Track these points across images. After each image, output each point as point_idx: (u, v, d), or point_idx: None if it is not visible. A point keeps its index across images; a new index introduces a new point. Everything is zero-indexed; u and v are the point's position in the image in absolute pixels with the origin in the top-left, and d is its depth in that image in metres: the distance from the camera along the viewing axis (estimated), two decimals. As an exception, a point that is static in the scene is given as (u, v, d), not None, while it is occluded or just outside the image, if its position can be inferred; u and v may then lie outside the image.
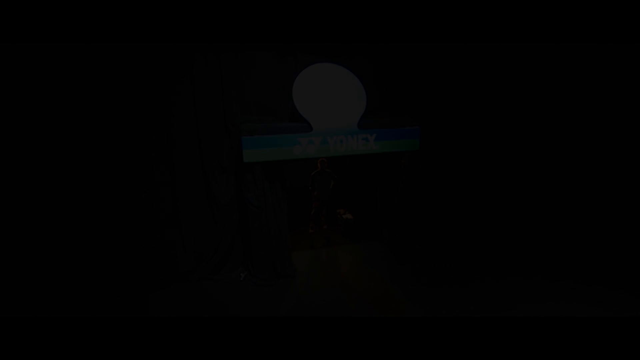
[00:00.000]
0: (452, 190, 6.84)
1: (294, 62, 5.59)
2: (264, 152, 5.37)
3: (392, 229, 6.71)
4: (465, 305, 4.90)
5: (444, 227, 6.88)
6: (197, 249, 5.91)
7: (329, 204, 7.95)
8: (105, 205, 5.33)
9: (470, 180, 6.81)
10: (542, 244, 6.77)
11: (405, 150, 5.99)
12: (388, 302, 5.08)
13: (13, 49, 4.54)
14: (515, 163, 6.89)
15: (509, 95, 6.63)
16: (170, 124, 5.41)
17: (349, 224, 7.85)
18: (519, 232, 7.01)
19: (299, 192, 8.95)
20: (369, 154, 5.85)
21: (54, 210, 5.09)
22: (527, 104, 6.63)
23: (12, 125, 4.72)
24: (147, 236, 5.58)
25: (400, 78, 6.15)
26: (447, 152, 6.58)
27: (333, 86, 5.60)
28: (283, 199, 5.95)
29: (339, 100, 5.61)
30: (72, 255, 5.27)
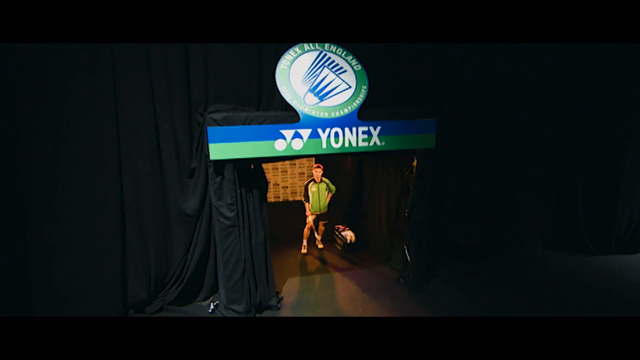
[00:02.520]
0: (477, 200, 5.58)
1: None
2: (237, 148, 4.19)
3: (402, 250, 5.41)
4: None
5: (468, 245, 5.58)
6: (156, 272, 4.64)
7: (326, 219, 6.68)
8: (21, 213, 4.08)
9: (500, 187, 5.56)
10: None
11: (417, 148, 4.77)
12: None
13: None
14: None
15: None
16: (120, 117, 4.25)
17: (350, 244, 6.55)
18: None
19: (288, 206, 7.73)
20: (372, 153, 4.64)
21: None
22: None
23: None
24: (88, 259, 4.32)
25: (411, 62, 5.02)
26: (471, 152, 5.36)
27: (327, 67, 4.47)
28: (264, 210, 4.71)
29: (333, 83, 4.47)
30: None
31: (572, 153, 5.89)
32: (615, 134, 5.81)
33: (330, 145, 4.43)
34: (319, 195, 6.46)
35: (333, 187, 6.60)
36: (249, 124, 4.20)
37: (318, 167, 6.45)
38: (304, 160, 9.53)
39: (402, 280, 5.42)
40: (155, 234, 4.54)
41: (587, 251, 6.12)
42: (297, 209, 7.66)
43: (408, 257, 5.29)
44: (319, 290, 5.32)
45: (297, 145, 4.34)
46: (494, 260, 5.88)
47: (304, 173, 9.66)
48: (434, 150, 4.83)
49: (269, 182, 9.47)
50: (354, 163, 7.25)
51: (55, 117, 3.99)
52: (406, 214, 5.20)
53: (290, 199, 9.68)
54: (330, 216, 6.81)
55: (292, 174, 9.60)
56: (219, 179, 4.33)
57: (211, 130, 4.12)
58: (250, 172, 4.51)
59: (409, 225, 5.16)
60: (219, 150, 4.15)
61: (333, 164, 7.80)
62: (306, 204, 6.53)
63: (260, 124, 4.23)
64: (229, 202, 4.37)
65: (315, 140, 4.38)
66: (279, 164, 9.41)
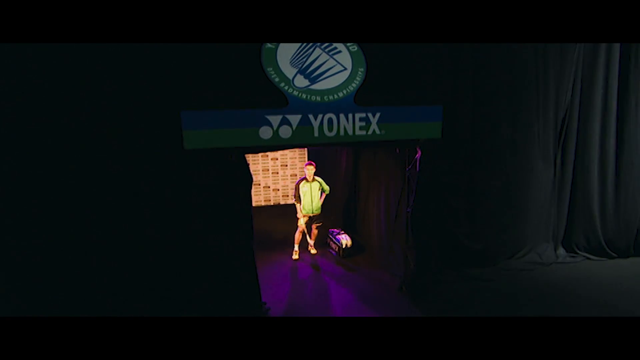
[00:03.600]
0: (485, 199, 5.06)
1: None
2: (215, 135, 3.64)
3: (403, 254, 4.85)
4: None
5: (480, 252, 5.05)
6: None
7: (320, 221, 6.11)
8: None
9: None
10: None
11: (421, 138, 4.25)
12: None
13: None
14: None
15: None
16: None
17: (346, 249, 5.99)
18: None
19: (279, 210, 7.14)
20: (371, 143, 4.11)
21: None
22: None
23: None
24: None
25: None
26: (480, 145, 4.85)
27: (319, 46, 3.96)
28: (245, 210, 4.13)
29: (327, 65, 3.95)
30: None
31: (587, 151, 5.41)
32: (629, 131, 5.34)
33: (324, 133, 3.90)
34: (312, 195, 5.91)
35: (326, 187, 6.05)
36: (230, 108, 3.65)
37: (310, 164, 5.91)
38: (296, 160, 8.98)
39: (403, 288, 4.85)
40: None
41: (604, 254, 5.60)
42: (289, 213, 7.09)
43: (411, 262, 4.72)
44: (312, 300, 4.73)
45: (285, 133, 3.80)
46: (505, 266, 5.34)
47: (296, 175, 9.09)
48: (439, 141, 4.30)
49: (259, 184, 9.08)
50: (349, 159, 6.72)
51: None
52: (408, 214, 4.65)
53: (282, 202, 9.09)
54: (324, 218, 6.23)
55: (283, 175, 9.02)
56: (196, 171, 3.76)
57: (186, 115, 3.56)
58: (230, 165, 3.95)
59: (411, 227, 4.60)
60: (194, 138, 3.60)
61: (326, 161, 7.26)
62: (297, 205, 5.97)
63: (242, 108, 3.68)
64: (203, 198, 3.79)
65: (305, 127, 3.84)
66: (270, 165, 8.84)
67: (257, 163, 8.77)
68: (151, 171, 3.71)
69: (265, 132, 3.75)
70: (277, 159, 8.85)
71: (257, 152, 4.39)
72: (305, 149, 8.63)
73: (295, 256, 6.07)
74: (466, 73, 4.75)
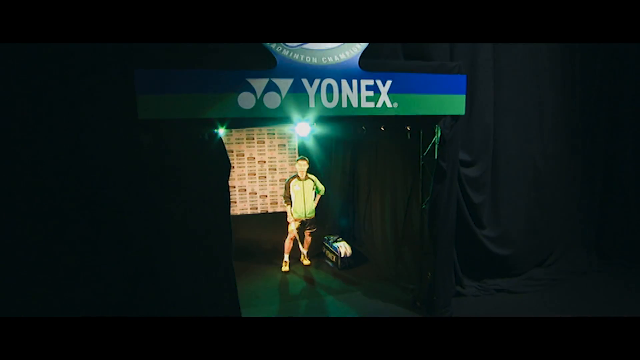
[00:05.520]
0: (513, 198, 4.26)
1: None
2: (180, 101, 2.78)
3: (417, 262, 3.99)
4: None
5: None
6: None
7: (314, 226, 5.21)
8: None
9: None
10: None
11: (442, 114, 3.45)
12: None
13: None
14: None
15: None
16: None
17: (345, 259, 5.09)
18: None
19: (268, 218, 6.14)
20: (379, 119, 3.30)
21: None
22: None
23: None
24: None
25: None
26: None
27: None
28: (221, 202, 3.23)
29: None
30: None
31: (625, 152, 4.72)
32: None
33: (321, 103, 3.07)
34: (304, 195, 5.04)
35: (322, 187, 5.20)
36: (199, 67, 2.80)
37: (303, 159, 5.07)
38: (286, 163, 8.13)
39: (418, 304, 3.97)
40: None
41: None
42: (278, 221, 6.23)
43: (427, 271, 3.85)
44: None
45: (272, 102, 2.96)
46: (534, 275, 4.51)
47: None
48: (463, 119, 3.51)
49: (244, 190, 8.11)
50: (347, 153, 5.89)
51: None
52: (424, 211, 3.81)
53: (270, 210, 8.18)
54: (319, 223, 5.35)
55: (271, 180, 8.14)
56: (153, 150, 2.86)
57: (141, 74, 2.70)
58: (201, 144, 3.06)
59: (429, 226, 3.75)
60: (151, 105, 2.73)
61: (321, 156, 6.46)
62: (287, 208, 5.08)
63: (215, 68, 2.83)
64: (168, 186, 2.89)
65: (298, 95, 3.01)
66: (256, 168, 7.96)
67: (243, 166, 7.90)
68: (91, 147, 2.81)
69: (246, 100, 2.90)
70: (264, 162, 8.00)
71: (235, 127, 3.53)
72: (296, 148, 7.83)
73: (285, 268, 5.15)
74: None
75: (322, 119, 3.34)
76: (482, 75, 4.06)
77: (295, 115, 3.03)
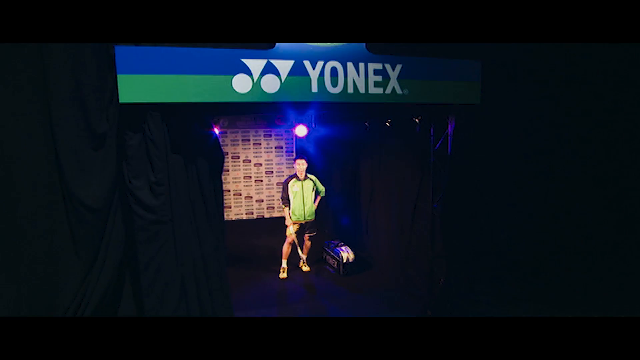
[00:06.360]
0: (531, 194, 3.94)
1: None
2: (166, 83, 2.46)
3: (427, 268, 3.66)
4: None
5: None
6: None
7: (314, 230, 4.88)
8: None
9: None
10: None
11: (455, 102, 3.16)
12: None
13: None
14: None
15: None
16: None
17: (347, 264, 4.75)
18: None
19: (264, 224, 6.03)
20: (388, 107, 3.00)
21: None
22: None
23: None
24: None
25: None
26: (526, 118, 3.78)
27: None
28: (218, 198, 2.90)
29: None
30: None
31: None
32: None
33: (325, 88, 2.77)
34: (303, 196, 4.72)
35: (322, 187, 4.90)
36: (190, 44, 2.50)
37: (301, 158, 4.76)
38: (283, 166, 7.80)
39: (429, 312, 3.64)
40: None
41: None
42: (275, 227, 5.89)
43: (440, 276, 3.53)
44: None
45: (271, 86, 2.65)
46: (555, 280, 4.19)
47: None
48: (478, 108, 3.22)
49: (239, 194, 7.77)
50: (348, 153, 5.61)
51: None
52: (435, 211, 3.50)
53: (267, 215, 7.82)
54: (319, 227, 5.01)
55: (268, 184, 7.79)
56: (135, 140, 2.53)
57: (122, 51, 2.38)
58: (190, 133, 2.74)
59: (441, 229, 3.44)
60: (134, 87, 2.41)
61: (320, 158, 6.16)
62: (285, 210, 4.75)
63: (210, 45, 2.53)
64: (153, 180, 2.56)
65: (300, 79, 2.71)
66: (252, 171, 7.62)
67: (238, 169, 7.55)
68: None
69: (242, 83, 2.59)
70: (260, 165, 7.66)
71: (229, 114, 3.22)
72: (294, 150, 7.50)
73: (283, 274, 4.80)
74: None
75: (322, 120, 3.05)
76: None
77: (296, 100, 2.73)
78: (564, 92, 3.34)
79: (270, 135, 7.62)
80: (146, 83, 2.43)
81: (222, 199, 2.94)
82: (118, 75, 2.38)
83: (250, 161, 7.62)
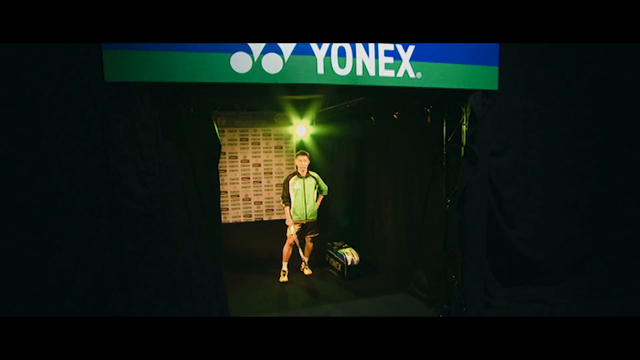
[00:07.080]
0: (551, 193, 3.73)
1: None
2: (158, 60, 2.22)
3: (440, 270, 3.41)
4: None
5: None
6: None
7: (316, 231, 4.61)
8: None
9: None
10: None
11: (471, 88, 2.93)
12: None
13: None
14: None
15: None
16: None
17: (352, 267, 4.48)
18: None
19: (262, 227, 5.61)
20: (400, 93, 2.77)
21: None
22: None
23: None
24: None
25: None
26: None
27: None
28: (209, 189, 2.65)
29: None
30: None
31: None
32: None
33: (332, 70, 2.53)
34: (305, 195, 4.46)
35: (325, 186, 4.64)
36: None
37: (303, 154, 4.51)
38: (283, 167, 7.56)
39: (441, 317, 3.37)
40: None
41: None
42: (274, 229, 5.64)
43: (454, 279, 3.27)
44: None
45: (273, 66, 2.41)
46: (575, 284, 3.94)
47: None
48: (495, 95, 2.99)
49: (237, 196, 7.43)
50: (351, 151, 5.36)
51: None
52: (448, 209, 3.25)
53: (266, 218, 7.55)
54: (322, 227, 4.78)
55: (267, 185, 7.54)
56: (121, 125, 2.29)
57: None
58: (184, 118, 2.50)
59: (458, 225, 3.18)
60: (122, 64, 2.17)
61: (322, 156, 5.92)
62: (286, 209, 4.49)
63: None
64: (142, 168, 2.31)
65: (304, 58, 2.47)
66: (251, 172, 7.37)
67: (236, 170, 7.31)
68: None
69: (241, 62, 2.35)
70: (259, 165, 7.42)
71: (227, 95, 2.98)
72: (294, 149, 7.25)
73: (283, 278, 4.52)
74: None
75: (323, 120, 2.81)
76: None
77: (300, 82, 2.49)
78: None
79: (270, 135, 7.39)
80: (135, 60, 2.19)
81: (219, 191, 2.68)
82: (103, 51, 2.14)
83: (249, 161, 7.38)
